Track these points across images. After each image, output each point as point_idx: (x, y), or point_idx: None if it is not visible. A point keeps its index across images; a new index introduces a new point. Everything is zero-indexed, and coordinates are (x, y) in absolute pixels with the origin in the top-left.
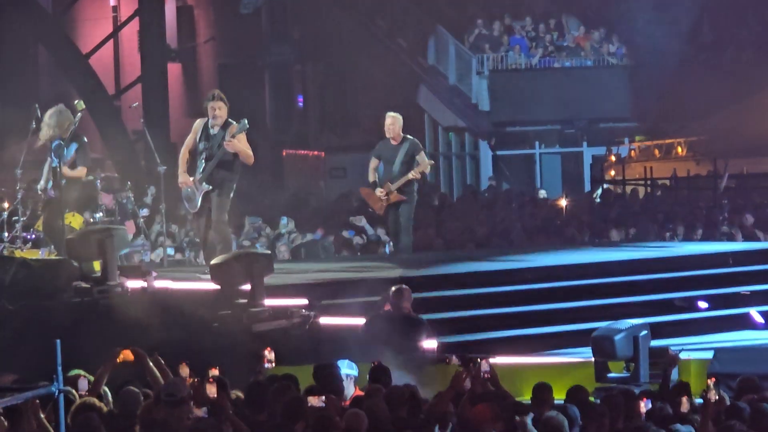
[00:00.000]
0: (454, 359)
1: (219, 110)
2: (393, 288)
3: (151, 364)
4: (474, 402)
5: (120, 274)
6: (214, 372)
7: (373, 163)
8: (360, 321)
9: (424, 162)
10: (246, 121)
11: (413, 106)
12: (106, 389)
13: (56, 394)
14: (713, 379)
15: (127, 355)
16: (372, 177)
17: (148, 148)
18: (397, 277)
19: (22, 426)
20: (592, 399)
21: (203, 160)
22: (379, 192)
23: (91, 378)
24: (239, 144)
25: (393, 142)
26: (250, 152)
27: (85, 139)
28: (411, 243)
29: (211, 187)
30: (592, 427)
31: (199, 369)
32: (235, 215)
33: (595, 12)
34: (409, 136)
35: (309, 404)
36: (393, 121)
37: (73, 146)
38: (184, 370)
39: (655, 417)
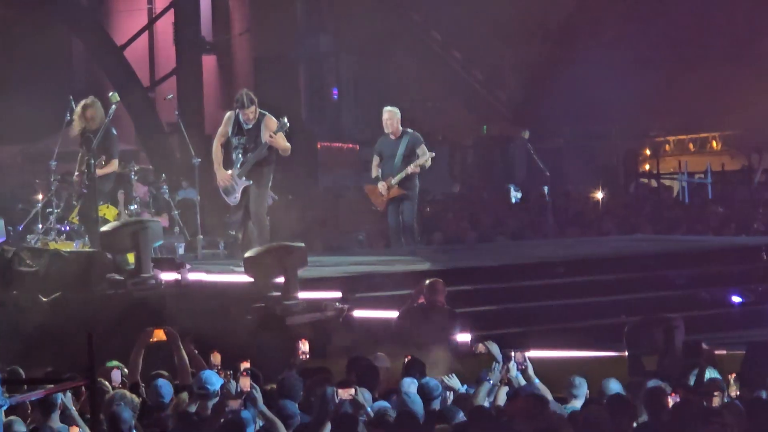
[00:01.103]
0: (480, 347)
1: (252, 114)
2: (426, 281)
3: (182, 346)
4: (509, 396)
5: (154, 267)
6: (247, 365)
7: (375, 160)
8: (393, 314)
9: (424, 155)
10: (286, 120)
11: (447, 98)
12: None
13: (89, 386)
14: (733, 375)
15: (159, 335)
16: (374, 173)
17: (182, 141)
18: (431, 270)
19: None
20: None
21: (240, 154)
22: (381, 186)
23: (126, 370)
24: (279, 141)
25: (392, 137)
26: (288, 145)
27: (114, 132)
28: (416, 242)
29: (251, 182)
30: (624, 421)
31: (233, 361)
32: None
33: (631, 7)
34: (408, 130)
35: (339, 398)
36: (390, 116)
37: (102, 138)
38: (216, 358)
39: (684, 412)
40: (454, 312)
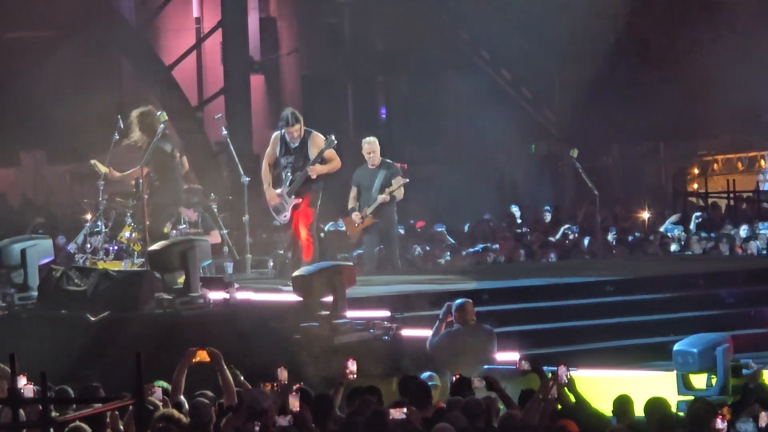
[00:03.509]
0: (523, 364)
1: (296, 132)
2: (454, 303)
3: (225, 366)
4: (560, 415)
5: (202, 286)
6: (297, 385)
7: (353, 191)
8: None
9: (396, 184)
10: (334, 138)
11: (495, 117)
12: (184, 399)
13: (137, 405)
14: None
15: (202, 355)
16: (351, 205)
17: (231, 160)
18: (480, 288)
19: None
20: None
21: (288, 173)
22: (355, 216)
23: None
24: (323, 168)
25: (371, 167)
26: (336, 164)
27: (165, 147)
28: (399, 265)
29: (300, 200)
30: None
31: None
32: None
33: (678, 26)
34: (387, 161)
35: (391, 417)
36: (371, 148)
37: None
38: (283, 374)
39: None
40: (491, 330)
